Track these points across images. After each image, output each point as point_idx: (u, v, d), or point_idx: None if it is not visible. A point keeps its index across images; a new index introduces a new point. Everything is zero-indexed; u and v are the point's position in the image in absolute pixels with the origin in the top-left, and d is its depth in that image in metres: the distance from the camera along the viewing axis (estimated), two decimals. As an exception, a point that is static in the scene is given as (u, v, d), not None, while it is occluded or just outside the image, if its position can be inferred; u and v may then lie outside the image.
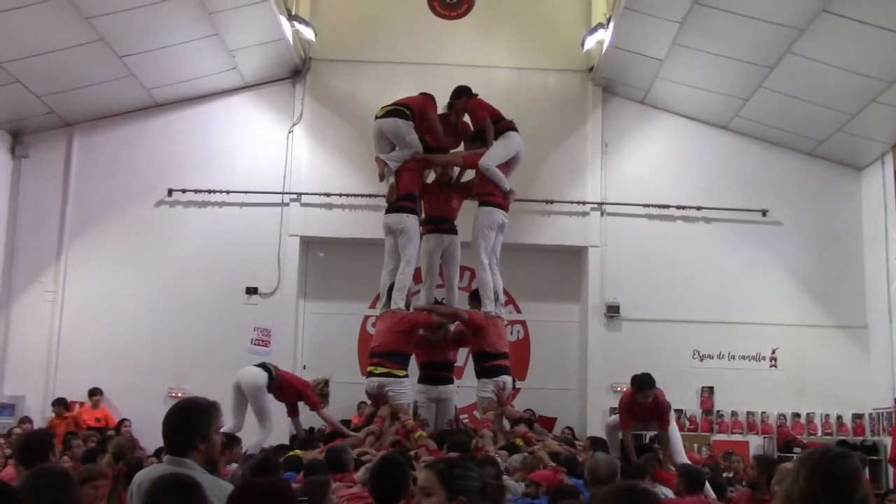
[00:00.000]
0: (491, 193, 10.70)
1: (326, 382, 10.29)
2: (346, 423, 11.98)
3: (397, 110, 10.57)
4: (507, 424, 10.22)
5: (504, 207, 10.71)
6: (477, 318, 10.40)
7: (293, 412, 10.59)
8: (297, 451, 8.41)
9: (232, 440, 8.99)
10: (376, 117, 10.75)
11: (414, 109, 10.64)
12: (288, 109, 15.50)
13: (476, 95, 11.13)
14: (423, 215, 10.95)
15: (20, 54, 12.82)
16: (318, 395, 10.17)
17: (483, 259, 10.52)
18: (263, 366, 10.27)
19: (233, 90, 15.42)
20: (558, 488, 6.05)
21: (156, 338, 14.57)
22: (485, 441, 9.22)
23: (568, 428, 14.29)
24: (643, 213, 15.37)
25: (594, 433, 12.84)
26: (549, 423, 14.22)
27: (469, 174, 11.14)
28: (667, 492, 7.12)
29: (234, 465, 7.58)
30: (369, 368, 10.27)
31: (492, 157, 10.60)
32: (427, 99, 10.91)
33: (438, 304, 11.06)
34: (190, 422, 4.20)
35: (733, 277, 15.12)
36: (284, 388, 10.26)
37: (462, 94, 11.02)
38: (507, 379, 10.46)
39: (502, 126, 10.84)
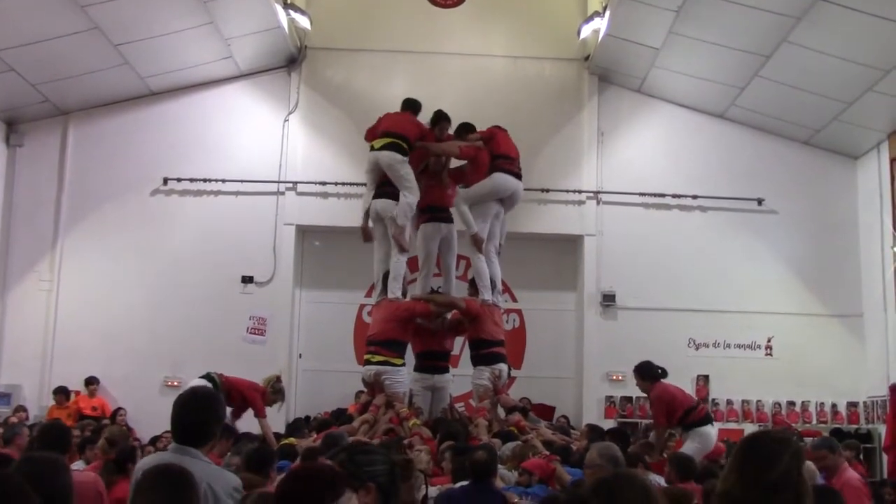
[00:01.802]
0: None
1: (278, 378, 10.14)
2: (343, 411, 12.04)
3: (394, 144, 10.44)
4: (502, 413, 10.27)
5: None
6: (474, 306, 10.45)
7: (236, 415, 10.07)
8: (291, 440, 8.46)
9: (228, 431, 9.03)
10: (371, 148, 10.64)
11: (409, 139, 10.55)
12: (283, 98, 15.48)
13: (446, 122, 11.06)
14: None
15: (14, 42, 12.81)
16: (271, 391, 9.96)
17: (470, 192, 10.61)
18: (207, 376, 9.93)
19: (228, 79, 15.40)
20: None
21: (152, 326, 14.60)
22: (479, 429, 9.27)
23: (563, 417, 14.36)
24: (639, 202, 15.39)
25: (590, 422, 12.91)
26: (548, 411, 14.28)
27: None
28: (659, 480, 7.17)
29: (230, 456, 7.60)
30: (366, 356, 10.31)
31: (467, 194, 10.64)
32: (417, 126, 10.77)
33: (436, 293, 11.10)
34: (206, 412, 4.22)
35: (729, 266, 15.16)
36: (232, 394, 9.85)
37: (440, 121, 10.97)
38: (504, 367, 10.51)
39: (496, 165, 10.69)
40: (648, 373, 9.76)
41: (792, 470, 3.24)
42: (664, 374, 9.80)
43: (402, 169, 10.34)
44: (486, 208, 10.65)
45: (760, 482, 3.23)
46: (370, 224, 10.90)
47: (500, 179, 10.64)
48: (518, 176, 10.81)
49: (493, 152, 10.72)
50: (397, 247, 10.46)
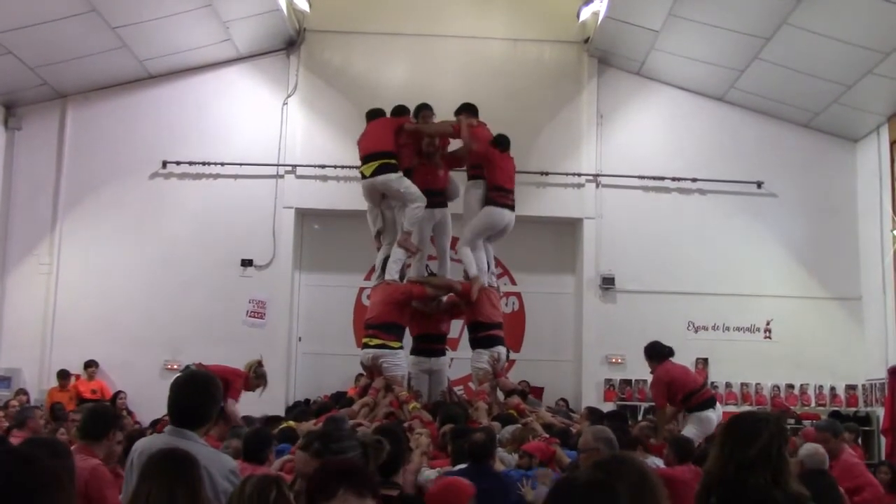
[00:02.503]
0: (476, 166, 10.73)
1: (260, 363, 10.10)
2: (343, 394, 12.05)
3: (383, 165, 10.28)
4: (501, 396, 10.28)
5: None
6: (470, 289, 10.42)
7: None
8: (291, 423, 8.46)
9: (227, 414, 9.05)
10: (363, 176, 10.52)
11: (394, 151, 10.38)
12: (282, 81, 15.43)
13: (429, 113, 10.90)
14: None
15: (12, 25, 12.75)
16: (253, 376, 9.98)
17: (467, 234, 10.55)
18: (186, 369, 9.97)
19: (227, 62, 15.34)
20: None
21: (151, 310, 14.61)
22: (479, 413, 9.25)
23: (562, 399, 14.39)
24: (638, 185, 15.38)
25: (589, 405, 12.93)
26: (536, 393, 14.30)
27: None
28: (658, 462, 7.18)
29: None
30: (364, 340, 10.31)
31: (466, 239, 10.54)
32: (394, 131, 10.57)
33: (432, 276, 11.09)
34: (203, 394, 4.22)
35: (728, 249, 15.16)
36: None
37: (422, 110, 10.81)
38: (502, 349, 10.50)
39: (490, 197, 10.55)
40: (654, 353, 9.79)
41: (771, 447, 3.27)
42: (670, 353, 9.80)
43: (401, 185, 10.26)
44: (482, 194, 10.64)
45: (740, 459, 3.25)
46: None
47: (496, 215, 10.55)
48: (512, 207, 10.70)
49: (489, 181, 10.58)
50: (406, 252, 10.45)
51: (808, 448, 7.10)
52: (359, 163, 14.61)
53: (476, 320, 10.49)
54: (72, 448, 4.96)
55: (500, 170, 10.60)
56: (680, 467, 6.74)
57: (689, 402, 9.52)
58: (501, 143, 10.78)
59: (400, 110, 10.88)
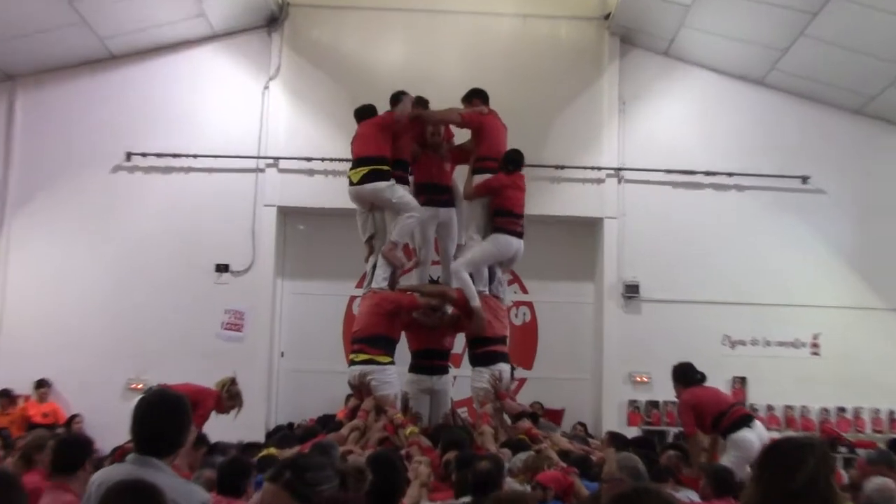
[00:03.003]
0: (485, 158, 10.67)
1: (233, 381, 10.09)
2: (330, 417, 11.99)
3: (372, 172, 10.23)
4: (508, 420, 10.23)
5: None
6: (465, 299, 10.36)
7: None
8: (272, 450, 8.40)
9: (199, 440, 8.99)
10: (350, 182, 10.51)
11: (386, 155, 10.32)
12: (263, 62, 15.39)
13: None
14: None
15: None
16: (226, 395, 9.95)
17: (469, 257, 10.48)
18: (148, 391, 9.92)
19: (200, 40, 15.30)
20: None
21: (113, 322, 14.54)
22: (485, 438, 9.20)
23: (580, 424, 14.31)
24: (666, 180, 15.33)
25: (610, 429, 12.86)
26: (555, 416, 14.25)
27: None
28: (693, 496, 7.12)
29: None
30: (350, 356, 10.29)
31: (467, 260, 10.42)
32: (386, 130, 10.49)
33: (433, 282, 11.04)
34: (172, 417, 4.16)
35: (769, 253, 15.09)
36: None
37: (401, 96, 10.80)
38: (505, 367, 10.45)
39: (498, 223, 10.51)
40: (682, 376, 9.74)
41: (818, 477, 3.23)
42: (702, 379, 9.76)
43: (393, 194, 10.24)
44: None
45: (782, 491, 3.21)
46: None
47: (504, 243, 10.49)
48: (521, 235, 10.66)
49: (497, 206, 10.52)
50: (390, 265, 10.40)
51: (877, 482, 7.00)
52: (350, 155, 14.77)
53: (475, 334, 10.44)
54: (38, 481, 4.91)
55: (512, 193, 10.55)
56: (718, 502, 6.67)
57: (719, 425, 9.46)
58: (513, 162, 10.69)
59: (395, 98, 10.85)
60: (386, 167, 10.28)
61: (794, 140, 15.39)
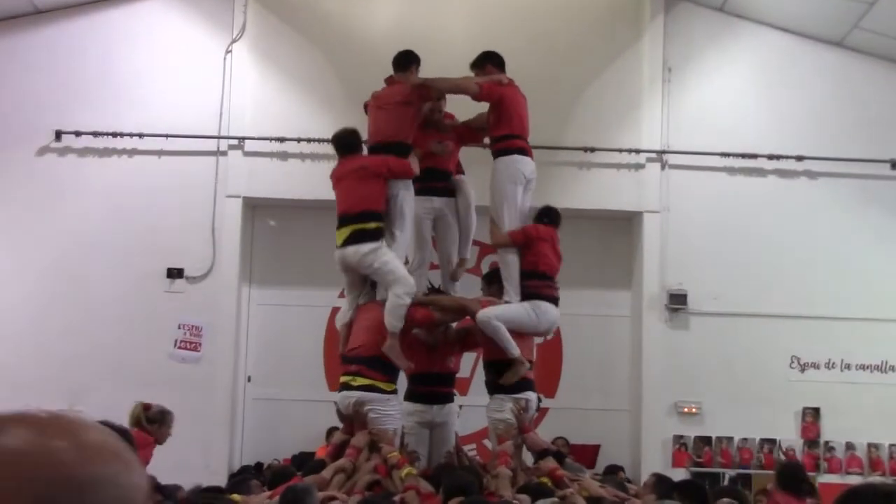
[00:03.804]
0: (510, 137, 10.64)
1: (146, 406, 10.13)
2: (309, 455, 12.01)
3: (357, 232, 10.09)
4: (529, 459, 10.23)
5: (529, 153, 10.64)
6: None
7: None
8: (236, 497, 8.43)
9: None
10: (337, 245, 10.39)
11: (377, 209, 10.15)
12: (225, 19, 15.34)
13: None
14: None
15: None
16: (150, 425, 9.98)
17: (504, 226, 10.47)
18: None
19: (147, -8, 15.37)
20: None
21: (41, 341, 14.50)
22: (500, 482, 9.20)
23: (615, 467, 14.28)
24: (721, 166, 15.33)
25: (653, 470, 12.84)
26: (588, 453, 14.23)
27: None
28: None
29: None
30: (344, 379, 10.19)
31: (498, 312, 10.29)
32: (380, 175, 10.28)
33: (436, 292, 11.03)
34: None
35: (850, 255, 15.07)
36: None
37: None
38: (532, 396, 10.43)
39: (529, 287, 10.43)
40: (786, 482, 9.59)
41: None
42: (810, 491, 9.65)
43: (378, 259, 10.02)
44: (516, 172, 10.53)
45: None
46: None
47: (544, 311, 10.43)
48: (556, 301, 10.60)
49: (530, 265, 10.48)
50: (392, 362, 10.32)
51: None
52: (331, 135, 14.80)
53: (497, 357, 10.41)
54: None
55: (543, 250, 10.51)
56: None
57: None
58: (548, 215, 10.81)
59: (405, 60, 10.81)
60: (374, 224, 10.11)
61: (881, 115, 15.38)
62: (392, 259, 10.05)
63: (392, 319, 9.87)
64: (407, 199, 10.42)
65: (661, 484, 9.70)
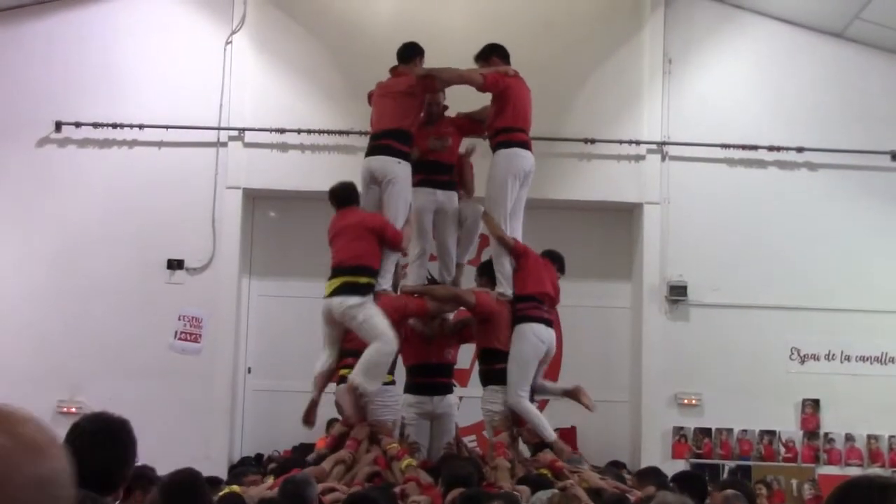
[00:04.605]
0: (512, 129, 10.64)
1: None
2: (309, 447, 12.01)
3: (346, 285, 10.00)
4: (525, 450, 10.25)
5: (529, 146, 10.63)
6: (487, 302, 10.39)
7: None
8: (235, 488, 8.43)
9: (143, 478, 8.99)
10: (325, 296, 10.31)
11: (372, 266, 10.09)
12: (225, 12, 15.34)
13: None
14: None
15: None
16: None
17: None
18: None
19: (147, -17, 15.36)
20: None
21: (40, 331, 14.53)
22: (499, 473, 9.22)
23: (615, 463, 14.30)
24: (721, 157, 15.33)
25: (651, 462, 12.87)
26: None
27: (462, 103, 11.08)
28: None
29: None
30: (343, 372, 10.23)
31: (515, 389, 10.28)
32: (370, 218, 10.33)
33: (434, 283, 11.05)
34: (115, 447, 4.16)
35: (850, 246, 15.09)
36: None
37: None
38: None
39: (521, 311, 10.46)
40: None
41: None
42: None
43: (362, 313, 9.90)
44: (516, 165, 10.53)
45: None
46: (361, 190, 10.79)
47: (534, 341, 10.43)
48: (551, 323, 10.69)
49: (521, 290, 10.49)
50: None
51: None
52: (331, 126, 14.80)
53: (491, 346, 10.45)
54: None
55: (534, 272, 10.59)
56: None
57: None
58: (559, 262, 11.03)
59: (409, 52, 10.83)
60: (365, 279, 10.02)
61: (881, 107, 15.38)
62: (377, 314, 9.86)
63: (364, 375, 9.65)
64: (405, 188, 10.47)
65: (647, 477, 9.73)
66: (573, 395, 10.78)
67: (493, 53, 10.85)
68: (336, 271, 10.16)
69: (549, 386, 10.94)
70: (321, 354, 10.54)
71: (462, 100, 11.23)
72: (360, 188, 10.64)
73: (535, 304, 10.48)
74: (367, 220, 10.27)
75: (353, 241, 10.16)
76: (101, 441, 4.12)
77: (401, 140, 10.44)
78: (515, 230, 10.74)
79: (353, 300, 9.90)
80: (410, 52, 10.77)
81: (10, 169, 14.94)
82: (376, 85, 10.79)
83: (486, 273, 10.81)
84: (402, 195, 10.37)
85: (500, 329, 10.39)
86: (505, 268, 10.53)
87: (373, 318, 9.84)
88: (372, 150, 10.59)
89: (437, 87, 10.63)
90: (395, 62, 10.82)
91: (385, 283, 10.39)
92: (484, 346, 10.58)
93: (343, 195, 10.44)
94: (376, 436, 9.72)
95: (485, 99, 10.89)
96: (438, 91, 10.76)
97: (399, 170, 10.38)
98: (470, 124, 11.09)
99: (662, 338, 15.07)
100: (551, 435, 10.28)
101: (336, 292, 10.01)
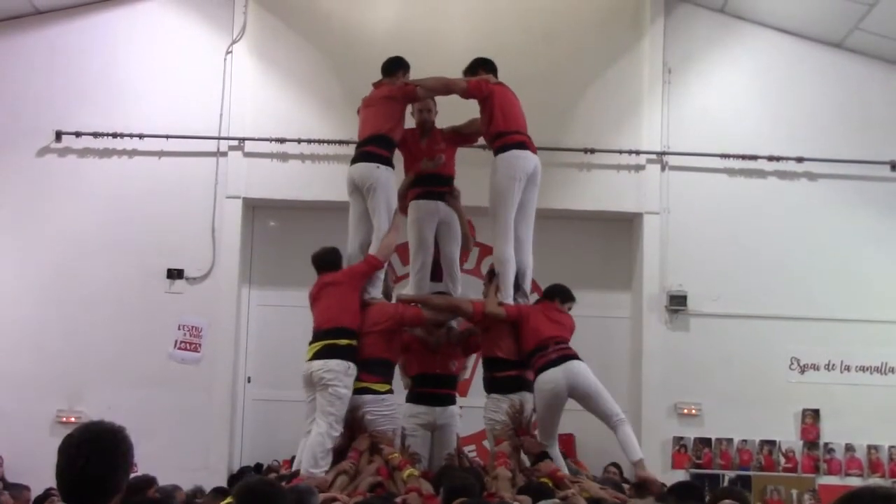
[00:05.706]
0: (506, 133, 10.63)
1: None
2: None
3: (328, 348, 9.86)
4: (526, 460, 10.25)
5: (532, 148, 10.61)
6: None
7: None
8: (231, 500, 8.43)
9: (139, 487, 9.01)
10: (307, 359, 10.13)
11: (353, 327, 9.95)
12: (226, 22, 15.39)
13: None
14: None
15: None
16: None
17: (502, 226, 10.46)
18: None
19: (147, -7, 15.38)
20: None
21: (39, 341, 14.54)
22: (500, 483, 9.21)
23: (613, 465, 14.29)
24: (721, 167, 15.36)
25: (652, 472, 12.84)
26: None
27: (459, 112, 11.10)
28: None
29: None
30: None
31: (541, 419, 10.28)
32: (355, 273, 10.23)
33: (438, 294, 11.04)
34: (110, 457, 4.15)
35: (849, 256, 15.12)
36: None
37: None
38: (528, 396, 10.43)
39: (530, 367, 10.32)
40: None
41: None
42: None
43: (339, 383, 9.75)
44: (516, 167, 10.47)
45: None
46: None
47: (543, 390, 10.22)
48: (561, 359, 10.35)
49: (526, 348, 10.33)
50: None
51: None
52: (331, 136, 14.80)
53: (493, 355, 10.43)
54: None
55: (534, 320, 10.43)
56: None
57: None
58: (559, 295, 10.88)
59: (393, 66, 10.83)
60: (345, 341, 9.90)
61: (881, 117, 15.42)
62: (347, 395, 9.75)
63: (308, 457, 9.61)
64: (387, 192, 10.39)
65: (642, 488, 9.74)
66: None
67: (479, 66, 10.84)
68: (317, 334, 10.06)
69: None
70: (305, 424, 10.25)
71: (454, 113, 11.22)
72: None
73: (540, 354, 10.32)
74: (341, 276, 10.22)
75: (332, 302, 10.08)
76: (93, 449, 4.11)
77: (381, 145, 10.40)
78: (524, 237, 10.71)
79: (335, 364, 9.77)
80: (395, 67, 10.75)
81: (10, 178, 14.99)
82: (361, 101, 10.80)
83: (491, 281, 10.80)
84: (385, 201, 10.35)
85: (501, 337, 10.35)
86: (508, 280, 10.51)
87: (343, 396, 9.74)
88: (354, 159, 10.59)
89: (418, 96, 10.63)
90: (396, 73, 10.85)
91: (375, 291, 10.39)
92: (486, 355, 10.55)
93: (328, 259, 10.35)
94: (377, 446, 9.72)
95: (473, 111, 10.87)
96: (420, 100, 10.76)
97: (379, 174, 10.31)
98: (458, 137, 11.06)
99: (662, 347, 15.08)
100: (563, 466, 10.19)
101: (318, 355, 9.88)
